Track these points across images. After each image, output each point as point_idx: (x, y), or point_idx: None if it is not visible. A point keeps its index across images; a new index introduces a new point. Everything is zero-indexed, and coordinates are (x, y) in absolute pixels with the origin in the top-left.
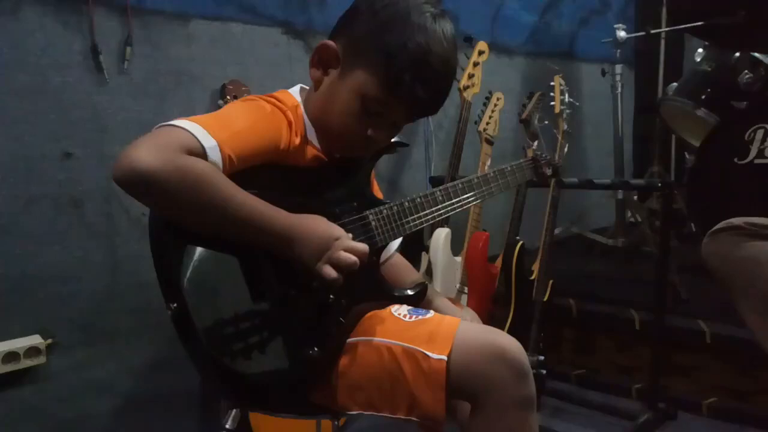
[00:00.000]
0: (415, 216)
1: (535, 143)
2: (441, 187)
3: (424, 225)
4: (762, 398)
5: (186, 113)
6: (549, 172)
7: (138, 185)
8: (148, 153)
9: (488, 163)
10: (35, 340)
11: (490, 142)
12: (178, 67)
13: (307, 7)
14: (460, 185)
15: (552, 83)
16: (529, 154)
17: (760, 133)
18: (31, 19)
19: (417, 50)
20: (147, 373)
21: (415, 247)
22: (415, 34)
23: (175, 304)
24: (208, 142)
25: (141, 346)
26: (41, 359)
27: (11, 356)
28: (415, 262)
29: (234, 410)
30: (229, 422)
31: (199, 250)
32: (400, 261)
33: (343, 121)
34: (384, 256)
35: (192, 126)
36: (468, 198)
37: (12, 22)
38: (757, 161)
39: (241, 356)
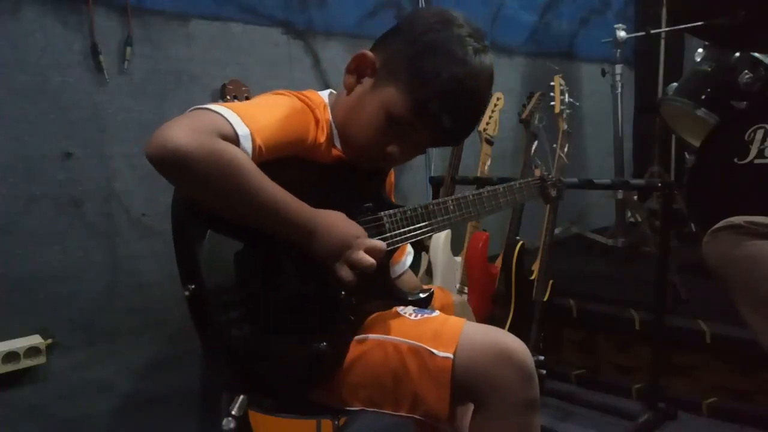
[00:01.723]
0: (427, 222)
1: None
2: (453, 197)
3: (435, 233)
4: (762, 398)
5: None
6: (554, 193)
7: (171, 164)
8: (183, 133)
9: (488, 163)
10: (35, 340)
11: (490, 142)
12: (178, 67)
13: (307, 7)
14: (471, 197)
15: (552, 83)
16: (537, 173)
17: (760, 133)
18: (31, 19)
19: (450, 81)
20: (147, 373)
21: (415, 248)
22: (452, 66)
23: (193, 286)
24: (242, 130)
25: (141, 346)
26: (41, 359)
27: (11, 356)
28: (416, 262)
29: (241, 396)
30: (236, 409)
31: (221, 234)
32: (410, 277)
33: (365, 132)
34: (398, 271)
35: (227, 112)
36: (478, 210)
37: (12, 22)
38: (757, 161)
39: (252, 343)
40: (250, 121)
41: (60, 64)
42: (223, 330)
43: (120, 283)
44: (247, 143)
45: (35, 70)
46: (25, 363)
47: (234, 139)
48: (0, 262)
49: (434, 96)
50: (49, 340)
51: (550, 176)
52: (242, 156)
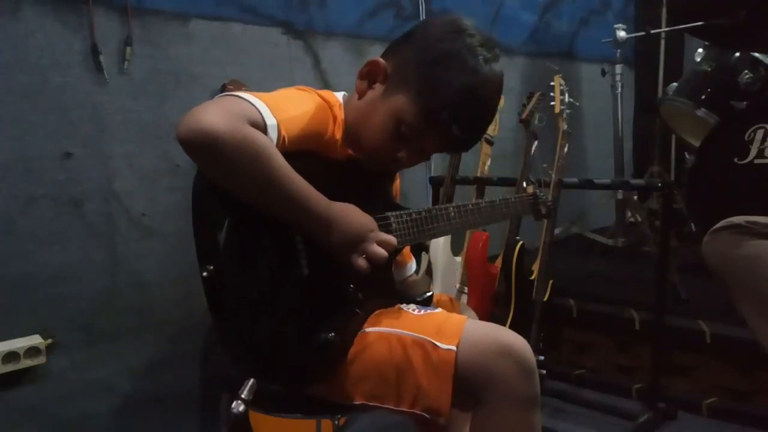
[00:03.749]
0: (429, 227)
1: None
2: (454, 205)
3: (436, 237)
4: (762, 398)
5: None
6: (544, 211)
7: (201, 145)
8: (216, 116)
9: (488, 163)
10: (35, 340)
11: (490, 142)
12: (178, 67)
13: (307, 7)
14: (470, 207)
15: (552, 83)
16: (529, 190)
17: (760, 133)
18: (31, 19)
19: (461, 90)
20: (147, 373)
21: (415, 248)
22: (464, 75)
23: (211, 266)
24: (270, 120)
25: (141, 346)
26: (41, 359)
27: (11, 356)
28: (416, 262)
29: (251, 380)
30: (245, 392)
31: (241, 217)
32: (413, 280)
33: (375, 137)
34: (404, 274)
35: (257, 101)
36: (476, 219)
37: (12, 22)
38: (757, 161)
39: (264, 327)
40: (278, 112)
41: (60, 64)
42: (237, 312)
43: (120, 283)
44: (273, 133)
45: (35, 70)
46: (25, 363)
47: (262, 128)
48: (0, 262)
49: (445, 105)
50: (49, 340)
51: (542, 195)
52: (270, 145)
